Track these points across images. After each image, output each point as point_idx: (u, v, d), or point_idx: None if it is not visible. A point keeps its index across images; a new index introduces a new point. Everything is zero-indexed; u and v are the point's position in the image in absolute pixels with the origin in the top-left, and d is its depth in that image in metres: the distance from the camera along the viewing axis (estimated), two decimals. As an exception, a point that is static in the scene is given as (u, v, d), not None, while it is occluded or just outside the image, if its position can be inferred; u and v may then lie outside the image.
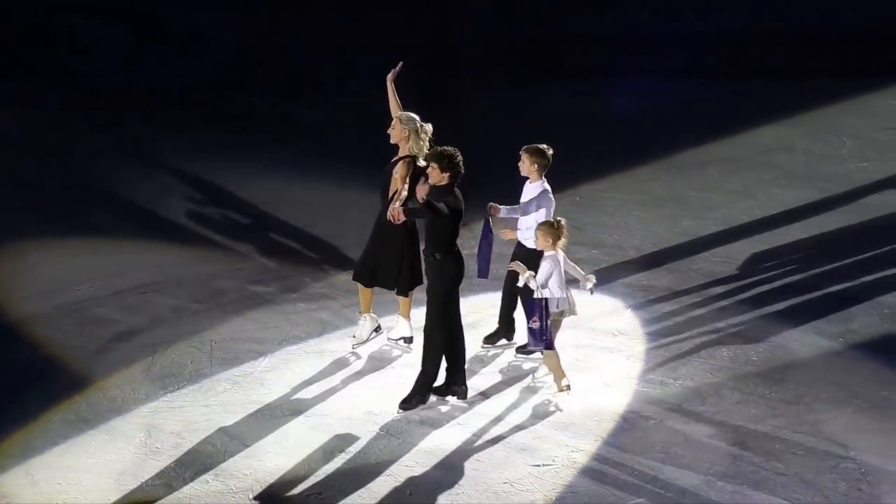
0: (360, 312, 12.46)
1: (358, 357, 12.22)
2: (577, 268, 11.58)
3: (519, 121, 17.92)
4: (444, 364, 11.42)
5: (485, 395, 11.60)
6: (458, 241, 11.31)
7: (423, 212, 11.07)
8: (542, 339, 11.26)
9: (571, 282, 11.52)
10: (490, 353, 12.27)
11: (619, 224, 15.29)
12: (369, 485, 10.33)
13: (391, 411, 11.27)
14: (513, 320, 12.32)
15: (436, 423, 11.17)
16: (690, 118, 18.58)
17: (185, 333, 12.68)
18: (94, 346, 12.47)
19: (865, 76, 19.99)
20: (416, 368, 11.45)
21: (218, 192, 16.13)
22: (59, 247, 14.63)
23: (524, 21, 21.84)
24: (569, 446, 10.84)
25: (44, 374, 11.95)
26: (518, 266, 11.42)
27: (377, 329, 12.49)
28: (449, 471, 10.52)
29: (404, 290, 12.22)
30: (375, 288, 12.30)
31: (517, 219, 12.03)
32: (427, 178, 11.22)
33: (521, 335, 12.12)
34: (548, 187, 11.92)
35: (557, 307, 11.38)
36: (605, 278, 13.63)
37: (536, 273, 11.27)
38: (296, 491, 10.31)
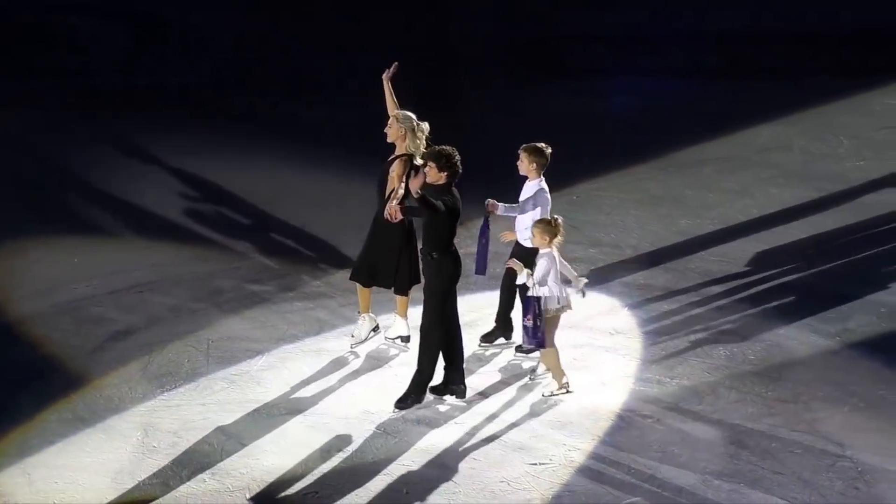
0: (358, 312, 12.47)
1: (355, 356, 12.22)
2: (570, 268, 11.58)
3: (518, 120, 17.88)
4: (441, 363, 11.43)
5: (483, 394, 11.60)
6: (456, 241, 11.31)
7: (419, 210, 11.06)
8: (536, 336, 11.26)
9: (564, 282, 11.52)
10: (488, 353, 12.27)
11: (617, 223, 15.28)
12: (366, 484, 10.33)
13: (388, 410, 11.27)
14: (510, 319, 12.32)
15: (433, 422, 11.17)
16: (689, 118, 18.56)
17: (182, 332, 12.68)
18: (91, 344, 12.48)
19: (863, 75, 19.97)
20: (413, 367, 11.44)
21: (216, 192, 16.13)
22: (58, 246, 14.63)
23: (523, 21, 21.82)
24: (566, 445, 10.84)
25: (41, 372, 11.94)
26: (515, 263, 11.41)
27: (376, 329, 12.49)
28: (446, 470, 10.52)
29: (402, 289, 12.22)
30: (374, 287, 12.31)
31: (514, 217, 12.04)
32: (417, 172, 11.15)
33: (519, 334, 12.11)
34: (545, 186, 11.91)
35: (558, 304, 11.38)
36: (603, 277, 13.65)
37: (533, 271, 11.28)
38: (293, 490, 10.31)
